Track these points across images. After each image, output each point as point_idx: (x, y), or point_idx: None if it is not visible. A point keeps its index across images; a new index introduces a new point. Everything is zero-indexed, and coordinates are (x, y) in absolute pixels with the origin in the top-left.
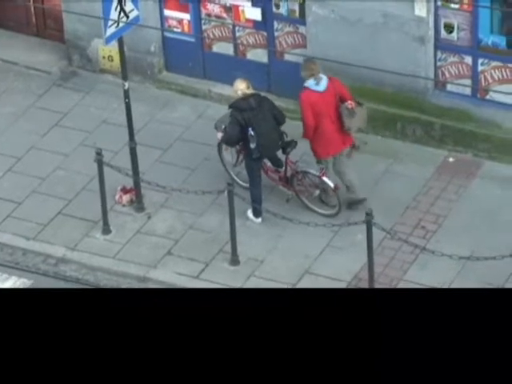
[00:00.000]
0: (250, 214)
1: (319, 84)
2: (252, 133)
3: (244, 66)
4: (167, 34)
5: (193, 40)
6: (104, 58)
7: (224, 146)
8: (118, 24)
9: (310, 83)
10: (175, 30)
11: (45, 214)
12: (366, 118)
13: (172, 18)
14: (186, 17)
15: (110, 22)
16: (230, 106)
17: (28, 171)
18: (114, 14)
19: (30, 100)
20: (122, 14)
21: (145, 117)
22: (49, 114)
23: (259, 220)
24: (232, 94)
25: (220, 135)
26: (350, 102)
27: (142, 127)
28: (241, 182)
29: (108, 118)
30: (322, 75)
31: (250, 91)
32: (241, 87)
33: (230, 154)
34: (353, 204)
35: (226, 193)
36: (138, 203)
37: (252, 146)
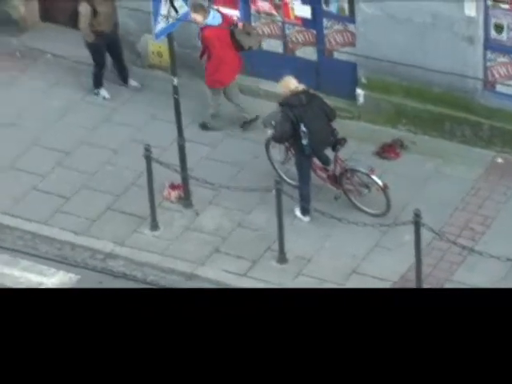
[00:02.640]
0: (297, 212)
1: (214, 18)
2: (304, 129)
3: (293, 63)
4: None
5: None
6: (153, 53)
7: (272, 144)
8: (168, 19)
9: (207, 21)
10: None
11: (93, 209)
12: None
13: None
14: (235, 13)
15: (160, 18)
16: (281, 103)
17: (77, 166)
18: (163, 10)
19: (80, 94)
20: (172, 9)
21: (193, 113)
22: (98, 109)
23: (307, 218)
24: (281, 90)
25: (270, 132)
26: (240, 24)
27: (190, 123)
28: (289, 180)
29: (157, 114)
30: (211, 11)
31: (300, 88)
32: (291, 84)
33: (277, 152)
34: (246, 124)
35: (274, 191)
36: (186, 200)
37: (304, 142)
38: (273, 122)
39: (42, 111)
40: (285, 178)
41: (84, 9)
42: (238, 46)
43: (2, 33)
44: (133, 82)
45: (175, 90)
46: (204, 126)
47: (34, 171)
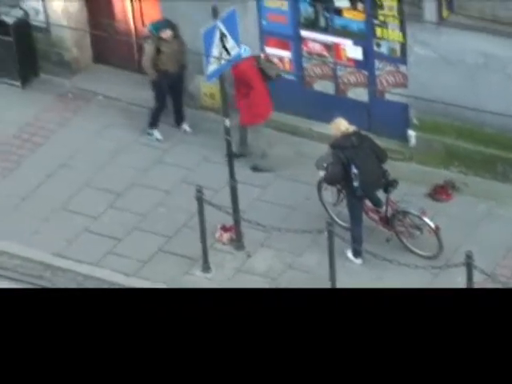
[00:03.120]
0: (349, 254)
1: (245, 51)
2: (355, 171)
3: (344, 104)
4: None
5: (294, 78)
6: (205, 94)
7: (324, 185)
8: (220, 61)
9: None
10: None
11: (145, 251)
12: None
13: (273, 56)
14: (287, 55)
15: (212, 59)
16: (332, 146)
17: (129, 207)
18: (215, 51)
19: (132, 136)
20: (224, 50)
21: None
22: (150, 150)
23: (359, 261)
24: (332, 132)
25: (322, 174)
26: (262, 54)
27: (242, 165)
28: (340, 222)
29: (209, 155)
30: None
31: (351, 129)
32: (341, 125)
33: (329, 193)
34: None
35: (325, 232)
36: (237, 241)
37: (355, 184)
38: (324, 164)
39: (94, 153)
40: (337, 219)
41: (148, 47)
42: (266, 76)
43: (55, 74)
44: (186, 127)
45: (227, 131)
46: (255, 168)
47: (87, 213)
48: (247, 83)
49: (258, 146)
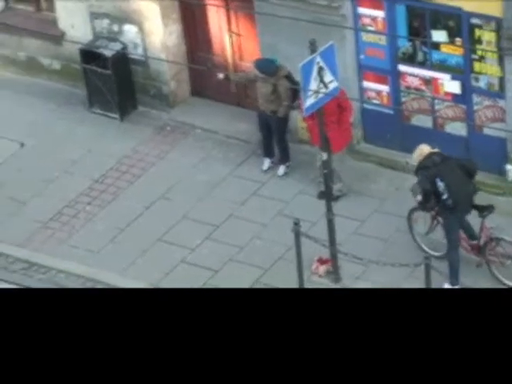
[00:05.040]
0: (447, 286)
1: None
2: (441, 183)
3: (442, 138)
4: (366, 106)
5: (391, 112)
6: (303, 128)
7: (414, 216)
8: (317, 95)
9: None
10: (374, 101)
11: (241, 283)
12: None
13: (371, 90)
14: (385, 89)
15: (310, 93)
16: (417, 169)
17: (226, 239)
18: (313, 85)
19: (228, 168)
20: (322, 84)
21: (342, 188)
22: (247, 183)
23: (457, 287)
24: (416, 158)
25: (419, 198)
26: None
27: (340, 198)
28: (432, 252)
29: (305, 189)
30: None
31: (433, 150)
32: (424, 150)
33: (422, 222)
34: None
35: (422, 266)
36: (334, 274)
37: (444, 196)
38: (419, 189)
39: (192, 185)
40: (427, 250)
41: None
42: None
43: (152, 107)
44: (281, 171)
45: (324, 165)
46: (323, 195)
47: (184, 244)
48: (339, 110)
49: (337, 173)
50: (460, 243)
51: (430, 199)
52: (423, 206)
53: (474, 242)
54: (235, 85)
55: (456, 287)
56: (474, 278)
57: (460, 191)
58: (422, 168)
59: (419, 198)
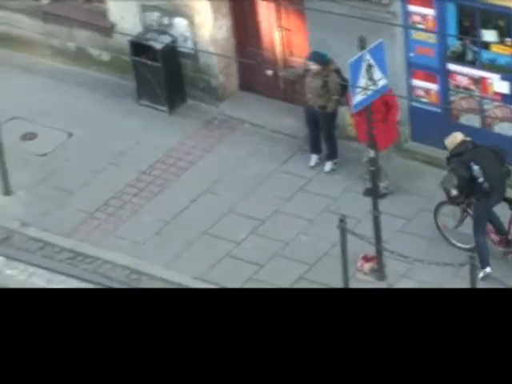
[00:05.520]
0: (481, 275)
1: None
2: (475, 167)
3: (491, 138)
4: (414, 104)
5: (439, 111)
6: (350, 125)
7: (440, 211)
8: (366, 92)
9: None
10: (422, 99)
11: (286, 278)
12: None
13: (420, 88)
14: (433, 87)
15: (358, 90)
16: (448, 157)
17: (271, 234)
18: (361, 82)
19: (275, 164)
20: (370, 82)
21: (389, 186)
22: (293, 179)
23: (488, 269)
24: (448, 145)
25: (455, 192)
26: None
27: (386, 196)
28: (462, 245)
29: (352, 185)
30: None
31: (465, 138)
32: (457, 138)
33: (450, 217)
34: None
35: (468, 265)
36: (379, 272)
37: (480, 180)
38: (454, 182)
39: (238, 179)
40: (456, 243)
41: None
42: None
43: (201, 101)
44: (327, 167)
45: (372, 162)
46: (369, 192)
47: (229, 238)
48: (386, 108)
49: (384, 171)
50: (488, 236)
51: (465, 187)
52: (455, 199)
53: (504, 236)
54: (283, 80)
55: (487, 270)
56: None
57: (494, 175)
58: (455, 155)
59: (454, 192)
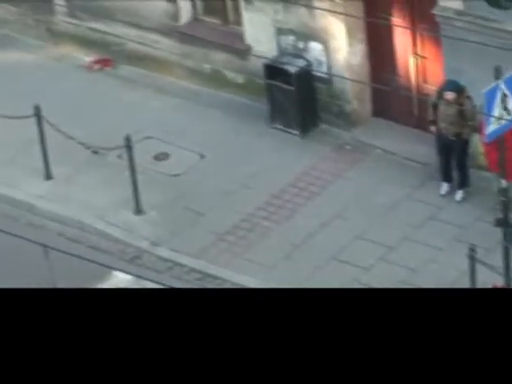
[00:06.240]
0: None
1: None
2: None
3: None
4: None
5: None
6: (482, 154)
7: None
8: (500, 121)
9: None
10: None
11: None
12: None
13: None
14: None
15: (492, 119)
16: None
17: (400, 261)
18: (496, 111)
19: (406, 191)
20: (505, 111)
21: None
22: (423, 207)
23: None
24: None
25: None
26: None
27: None
28: None
29: (483, 215)
30: None
31: None
32: None
33: None
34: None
35: None
36: None
37: None
38: None
39: (368, 205)
40: None
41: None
42: None
43: (334, 126)
44: (458, 196)
45: (503, 192)
46: (501, 223)
47: (358, 264)
48: None
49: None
50: None
51: None
52: None
53: None
54: (417, 107)
55: None
56: None
57: None
58: None
59: None
